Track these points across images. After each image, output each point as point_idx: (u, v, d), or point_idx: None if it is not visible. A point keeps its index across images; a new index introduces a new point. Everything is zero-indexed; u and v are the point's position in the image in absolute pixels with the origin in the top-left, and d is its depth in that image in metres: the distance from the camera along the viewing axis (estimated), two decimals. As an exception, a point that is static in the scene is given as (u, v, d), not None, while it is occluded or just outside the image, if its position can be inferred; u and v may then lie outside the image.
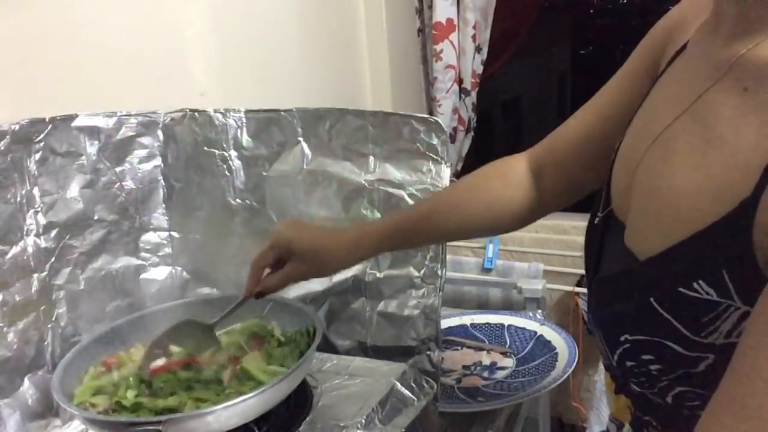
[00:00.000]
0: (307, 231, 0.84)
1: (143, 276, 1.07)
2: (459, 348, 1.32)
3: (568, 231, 1.73)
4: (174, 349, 0.88)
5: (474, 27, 1.84)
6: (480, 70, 1.92)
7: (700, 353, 0.52)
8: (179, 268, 1.11)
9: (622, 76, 0.73)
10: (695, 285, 0.50)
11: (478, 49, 1.88)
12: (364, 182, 1.02)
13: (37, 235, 0.91)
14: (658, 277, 0.54)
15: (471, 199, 0.82)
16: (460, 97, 1.91)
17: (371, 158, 1.02)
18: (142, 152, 1.05)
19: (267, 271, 0.83)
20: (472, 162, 1.95)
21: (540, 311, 1.43)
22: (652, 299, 0.53)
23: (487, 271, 1.67)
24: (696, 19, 0.63)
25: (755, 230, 0.46)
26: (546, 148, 0.81)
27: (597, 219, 0.67)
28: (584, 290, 1.56)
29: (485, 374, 1.22)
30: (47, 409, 0.90)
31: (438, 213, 0.83)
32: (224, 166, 1.08)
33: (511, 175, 0.82)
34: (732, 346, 0.45)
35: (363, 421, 0.82)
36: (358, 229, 0.85)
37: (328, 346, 1.06)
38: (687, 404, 0.56)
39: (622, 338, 0.58)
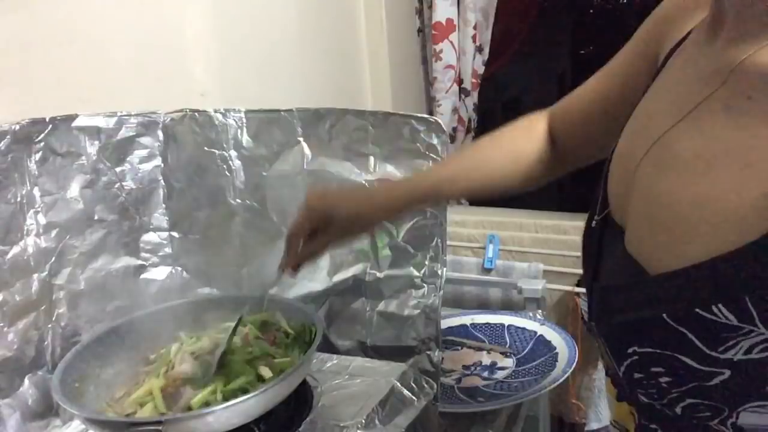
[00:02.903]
0: (340, 199, 0.84)
1: (143, 276, 1.07)
2: (459, 348, 1.32)
3: (568, 231, 1.72)
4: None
5: (474, 27, 1.84)
6: (481, 70, 1.92)
7: (715, 368, 0.49)
8: (179, 268, 1.11)
9: (623, 59, 0.74)
10: (714, 308, 0.47)
11: (479, 50, 1.88)
12: (364, 182, 1.02)
13: (38, 235, 0.91)
14: (672, 294, 0.51)
15: (496, 154, 0.83)
16: (460, 97, 1.91)
17: (371, 158, 1.02)
18: (143, 152, 1.05)
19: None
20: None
21: (540, 311, 1.43)
22: (665, 315, 0.50)
23: (487, 271, 1.67)
24: (694, 11, 0.61)
25: None
26: (563, 109, 0.84)
27: (594, 222, 0.65)
28: (584, 290, 1.55)
29: (485, 374, 1.22)
30: (47, 409, 0.90)
31: (465, 170, 0.84)
32: (224, 166, 1.08)
33: (533, 130, 0.84)
34: (751, 362, 0.43)
35: (363, 421, 0.82)
36: (387, 190, 0.87)
37: (328, 346, 1.06)
38: (697, 416, 0.54)
39: (630, 350, 0.55)
